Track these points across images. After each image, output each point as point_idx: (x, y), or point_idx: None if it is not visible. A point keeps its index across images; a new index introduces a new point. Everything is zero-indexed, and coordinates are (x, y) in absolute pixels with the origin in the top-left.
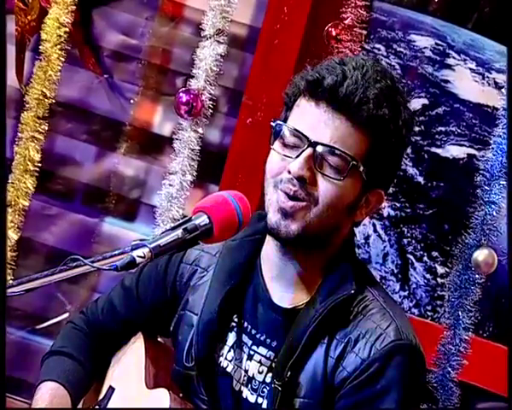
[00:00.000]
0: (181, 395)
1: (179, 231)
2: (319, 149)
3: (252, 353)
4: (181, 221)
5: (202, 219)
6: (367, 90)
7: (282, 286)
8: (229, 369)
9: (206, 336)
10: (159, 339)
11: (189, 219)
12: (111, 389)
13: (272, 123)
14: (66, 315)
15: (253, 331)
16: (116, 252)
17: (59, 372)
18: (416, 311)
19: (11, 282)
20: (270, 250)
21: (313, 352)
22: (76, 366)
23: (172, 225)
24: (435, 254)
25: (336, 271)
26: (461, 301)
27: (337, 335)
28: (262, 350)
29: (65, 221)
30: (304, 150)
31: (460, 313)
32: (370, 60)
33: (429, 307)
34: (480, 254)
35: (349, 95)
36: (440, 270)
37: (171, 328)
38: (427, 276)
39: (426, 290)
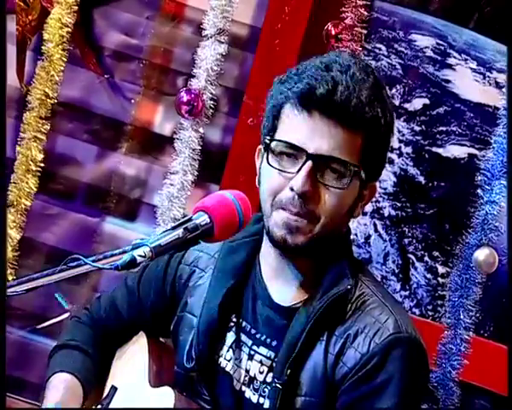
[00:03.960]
0: (184, 393)
1: (180, 231)
2: (318, 160)
3: (252, 353)
4: (181, 221)
5: (203, 219)
6: (360, 93)
7: (280, 285)
8: (228, 368)
9: (206, 336)
10: (160, 339)
11: (190, 219)
12: (113, 389)
13: (266, 140)
14: (66, 315)
15: (253, 331)
16: (117, 251)
17: (70, 364)
18: (416, 311)
19: (11, 281)
20: (268, 251)
21: (313, 350)
22: (85, 358)
23: (173, 224)
24: (436, 253)
25: (333, 268)
26: (461, 301)
27: (336, 331)
28: (262, 350)
29: (66, 221)
30: (304, 164)
31: (461, 313)
32: (351, 57)
33: (430, 307)
34: (481, 254)
35: (344, 101)
36: (441, 269)
37: (171, 329)
38: (428, 276)
39: (427, 290)
